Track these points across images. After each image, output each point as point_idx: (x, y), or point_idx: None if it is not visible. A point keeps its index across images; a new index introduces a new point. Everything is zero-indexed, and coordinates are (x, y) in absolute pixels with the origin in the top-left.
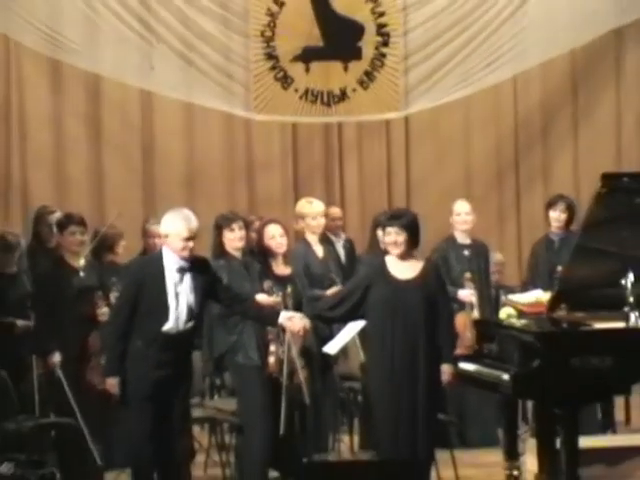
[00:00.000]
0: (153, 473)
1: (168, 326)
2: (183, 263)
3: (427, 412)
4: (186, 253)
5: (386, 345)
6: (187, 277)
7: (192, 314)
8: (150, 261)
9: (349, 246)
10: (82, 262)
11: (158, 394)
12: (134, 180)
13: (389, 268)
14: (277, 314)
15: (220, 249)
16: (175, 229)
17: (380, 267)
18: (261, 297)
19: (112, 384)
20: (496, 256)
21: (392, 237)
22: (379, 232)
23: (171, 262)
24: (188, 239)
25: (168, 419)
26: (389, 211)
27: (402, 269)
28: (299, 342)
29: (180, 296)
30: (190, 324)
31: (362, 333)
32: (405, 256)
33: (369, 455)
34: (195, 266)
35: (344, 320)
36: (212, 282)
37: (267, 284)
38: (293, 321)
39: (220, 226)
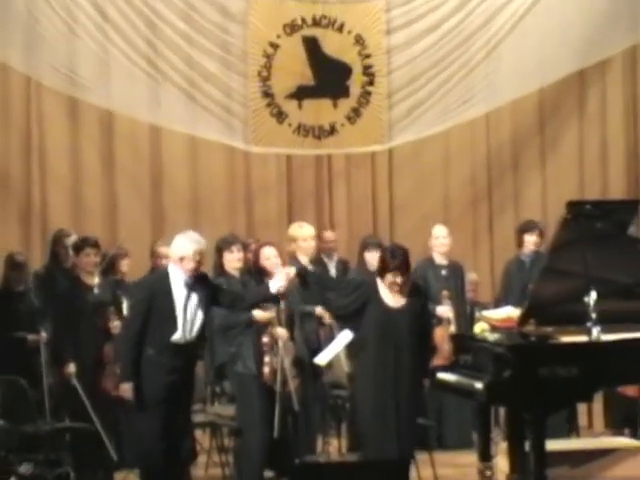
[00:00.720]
0: (161, 472)
1: (177, 336)
2: (188, 279)
3: (409, 418)
4: (195, 272)
5: (376, 361)
6: (192, 291)
7: (198, 325)
8: (159, 278)
9: (342, 267)
10: (96, 280)
11: (168, 398)
12: (143, 206)
13: (381, 292)
14: (267, 287)
15: (220, 269)
16: (182, 251)
17: (373, 289)
18: (257, 313)
19: (126, 389)
20: (471, 276)
21: (391, 279)
22: (367, 254)
23: (178, 279)
24: (193, 260)
25: (175, 422)
26: (389, 252)
27: (392, 295)
28: (291, 353)
29: (187, 309)
30: (196, 334)
31: (349, 345)
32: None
33: (356, 457)
34: (198, 281)
35: (349, 314)
36: (214, 292)
37: None
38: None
39: (221, 248)
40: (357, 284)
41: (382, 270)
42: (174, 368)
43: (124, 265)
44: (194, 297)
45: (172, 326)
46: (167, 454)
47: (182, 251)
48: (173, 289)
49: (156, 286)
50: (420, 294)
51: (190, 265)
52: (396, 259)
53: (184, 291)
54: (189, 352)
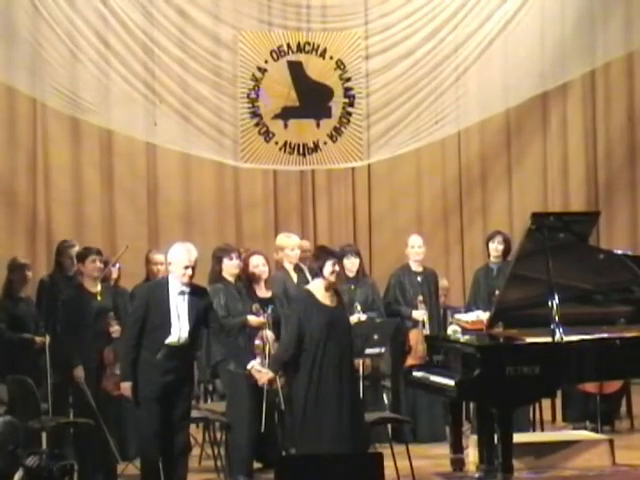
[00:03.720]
0: (158, 463)
1: (171, 339)
2: (184, 288)
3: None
4: (186, 279)
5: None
6: (186, 299)
7: (190, 330)
8: (157, 286)
9: (315, 273)
10: (99, 287)
11: (164, 396)
12: (140, 219)
13: (317, 296)
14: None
15: (218, 275)
16: (178, 259)
17: (309, 298)
18: (251, 318)
19: (125, 387)
20: (442, 282)
21: (330, 268)
22: (345, 261)
23: (174, 287)
24: (187, 267)
25: (171, 417)
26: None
27: (327, 297)
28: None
29: (181, 315)
30: (188, 338)
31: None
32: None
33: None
34: (194, 292)
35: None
36: (207, 309)
37: (255, 307)
38: (261, 375)
39: (219, 256)
40: (291, 310)
41: (320, 267)
42: (169, 369)
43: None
44: (186, 304)
45: (167, 329)
46: (163, 447)
47: (172, 258)
48: (170, 296)
49: (154, 292)
50: (341, 297)
51: (179, 271)
52: (330, 253)
53: (180, 297)
54: (182, 354)
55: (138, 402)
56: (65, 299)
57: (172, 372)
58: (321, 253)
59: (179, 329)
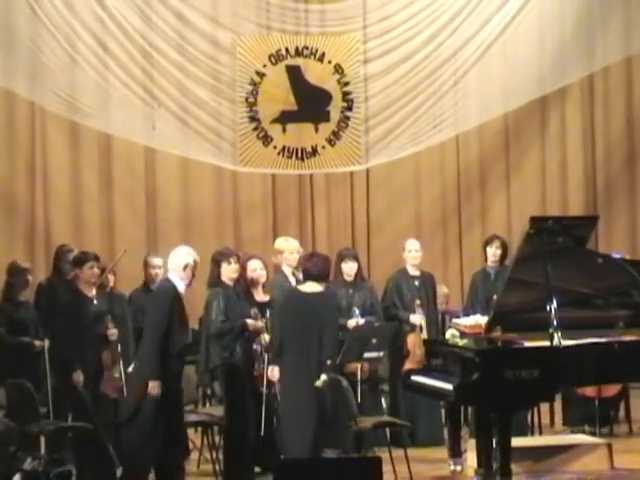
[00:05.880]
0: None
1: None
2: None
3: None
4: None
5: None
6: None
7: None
8: (172, 290)
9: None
10: (94, 292)
11: (174, 402)
12: (139, 222)
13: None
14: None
15: (217, 279)
16: (190, 261)
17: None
18: (250, 322)
19: (155, 386)
20: (442, 289)
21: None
22: (343, 265)
23: (180, 287)
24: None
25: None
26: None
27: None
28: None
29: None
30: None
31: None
32: None
33: (334, 453)
34: None
35: None
36: None
37: (254, 311)
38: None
39: (219, 260)
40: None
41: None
42: (178, 373)
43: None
44: None
45: (186, 331)
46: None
47: (185, 260)
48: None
49: (172, 296)
50: None
51: (191, 273)
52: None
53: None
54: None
55: (159, 405)
56: (64, 303)
57: (179, 378)
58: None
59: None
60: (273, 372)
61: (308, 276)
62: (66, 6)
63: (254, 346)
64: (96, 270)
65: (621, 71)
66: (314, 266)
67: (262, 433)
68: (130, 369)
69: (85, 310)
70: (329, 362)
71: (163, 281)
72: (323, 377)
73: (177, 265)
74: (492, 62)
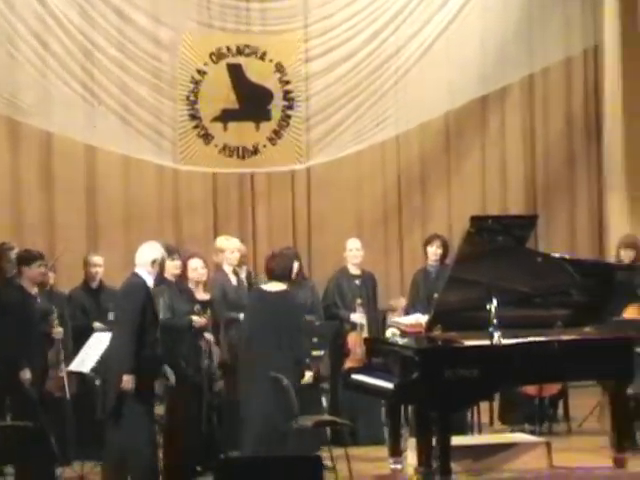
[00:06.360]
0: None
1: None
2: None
3: None
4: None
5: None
6: None
7: None
8: (143, 285)
9: (250, 277)
10: (36, 290)
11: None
12: (79, 220)
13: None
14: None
15: (160, 276)
16: (158, 256)
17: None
18: (196, 319)
19: (128, 380)
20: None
21: None
22: None
23: (149, 282)
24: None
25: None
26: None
27: None
28: (217, 357)
29: None
30: None
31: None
32: None
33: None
34: None
35: None
36: None
37: (197, 307)
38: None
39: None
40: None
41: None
42: (152, 367)
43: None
44: None
45: (157, 326)
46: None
47: (153, 256)
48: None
49: (146, 292)
50: None
51: (158, 269)
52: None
53: None
54: None
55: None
56: (9, 302)
57: None
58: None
59: None
60: None
61: (272, 275)
62: (5, 3)
63: (200, 343)
64: (43, 269)
65: (561, 71)
66: (277, 266)
67: (203, 430)
68: (71, 368)
69: (31, 308)
70: (308, 360)
71: (132, 277)
72: (308, 374)
73: (145, 260)
74: (434, 61)
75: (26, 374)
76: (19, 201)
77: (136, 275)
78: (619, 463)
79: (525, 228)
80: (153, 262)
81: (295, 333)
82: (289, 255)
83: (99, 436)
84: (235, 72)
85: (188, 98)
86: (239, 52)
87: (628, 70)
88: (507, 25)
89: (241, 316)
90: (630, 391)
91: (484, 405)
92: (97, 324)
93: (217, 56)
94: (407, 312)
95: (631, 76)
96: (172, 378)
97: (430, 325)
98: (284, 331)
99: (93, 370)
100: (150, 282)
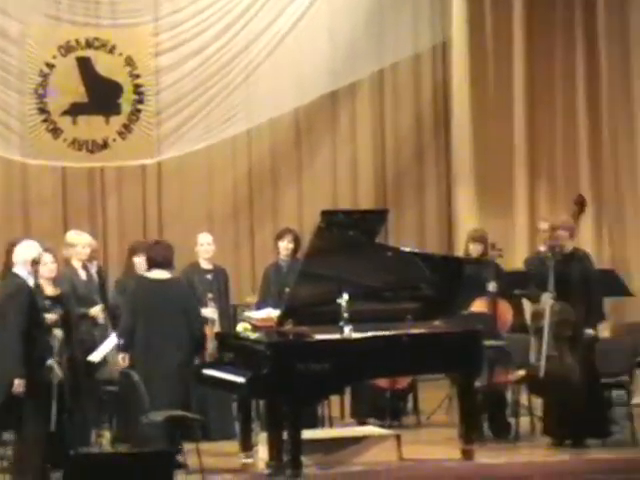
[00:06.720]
0: None
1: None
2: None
3: None
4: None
5: None
6: None
7: None
8: (25, 285)
9: (100, 272)
10: None
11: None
12: None
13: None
14: None
15: (7, 268)
16: (37, 257)
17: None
18: (48, 316)
19: (19, 384)
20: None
21: None
22: (135, 259)
23: (30, 284)
24: None
25: None
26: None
27: None
28: (65, 352)
29: None
30: None
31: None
32: None
33: (126, 447)
34: None
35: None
36: None
37: (47, 303)
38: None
39: (9, 250)
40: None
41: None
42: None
43: None
44: None
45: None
46: None
47: (31, 254)
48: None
49: (29, 290)
50: None
51: (37, 267)
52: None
53: None
54: None
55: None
56: None
57: None
58: None
59: None
60: (125, 360)
61: (153, 264)
62: None
63: (49, 340)
64: None
65: (410, 67)
66: (157, 254)
67: (52, 428)
68: None
69: None
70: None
71: (11, 276)
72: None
73: (24, 259)
74: (284, 56)
75: None
76: None
77: (15, 275)
78: (467, 455)
79: (376, 222)
80: (32, 261)
81: (194, 317)
82: (168, 243)
83: None
84: (84, 65)
85: (36, 91)
86: (88, 45)
87: (475, 67)
88: (357, 20)
89: (91, 311)
90: (477, 384)
91: (335, 399)
92: None
93: (66, 49)
94: (258, 307)
95: (478, 73)
96: (59, 372)
97: (281, 319)
98: (178, 318)
99: None
100: (31, 282)
